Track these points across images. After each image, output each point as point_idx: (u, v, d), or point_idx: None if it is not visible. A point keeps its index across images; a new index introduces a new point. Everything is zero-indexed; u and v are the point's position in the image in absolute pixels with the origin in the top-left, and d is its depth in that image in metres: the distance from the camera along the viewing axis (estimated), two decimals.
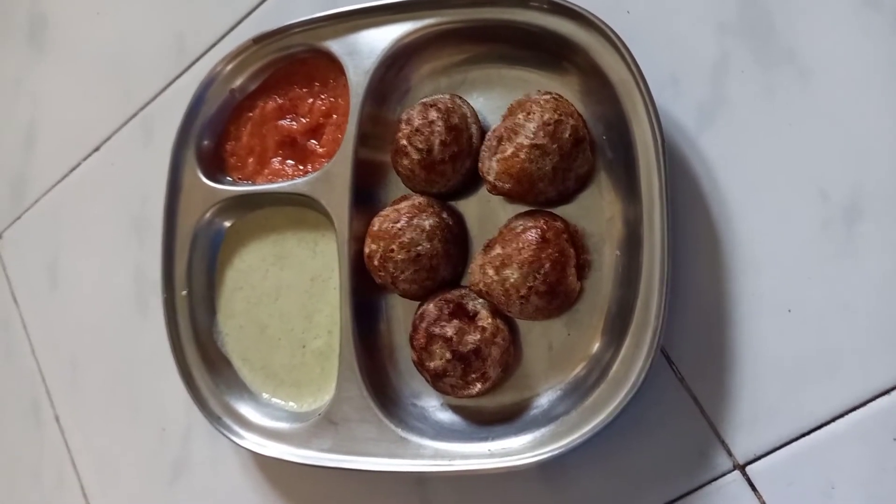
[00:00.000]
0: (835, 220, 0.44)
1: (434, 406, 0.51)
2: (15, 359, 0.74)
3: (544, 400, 0.48)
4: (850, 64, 0.45)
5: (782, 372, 0.44)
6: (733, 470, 0.45)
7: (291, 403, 0.56)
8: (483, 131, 0.51)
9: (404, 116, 0.51)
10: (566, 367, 0.48)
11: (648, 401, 0.46)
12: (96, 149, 0.71)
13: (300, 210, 0.57)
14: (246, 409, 0.56)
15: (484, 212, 0.51)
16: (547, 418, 0.47)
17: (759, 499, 0.44)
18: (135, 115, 0.69)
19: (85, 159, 0.72)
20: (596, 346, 0.47)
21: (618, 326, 0.46)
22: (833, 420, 0.43)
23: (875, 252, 0.43)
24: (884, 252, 0.43)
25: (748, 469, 0.45)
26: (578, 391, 0.47)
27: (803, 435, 0.44)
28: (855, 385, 0.43)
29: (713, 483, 0.45)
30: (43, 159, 0.75)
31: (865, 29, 0.44)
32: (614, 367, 0.45)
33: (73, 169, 0.72)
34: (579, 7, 0.46)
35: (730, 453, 0.45)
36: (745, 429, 0.45)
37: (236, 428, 0.56)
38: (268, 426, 0.55)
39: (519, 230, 0.47)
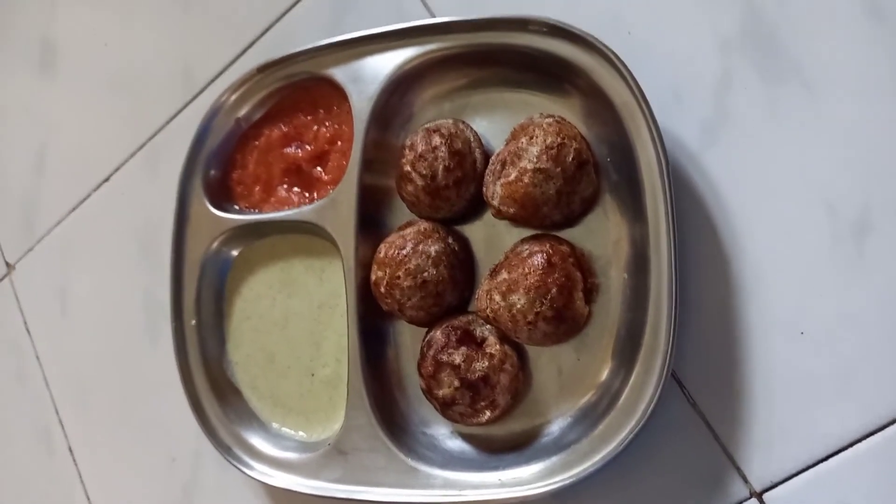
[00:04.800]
0: (844, 235, 0.43)
1: (444, 434, 0.51)
2: (28, 387, 0.74)
3: (555, 427, 0.48)
4: (855, 77, 0.44)
5: (797, 394, 0.43)
6: (750, 498, 0.44)
7: (301, 433, 0.56)
8: (487, 155, 0.50)
9: (408, 142, 0.51)
10: (576, 393, 0.47)
11: (660, 426, 0.45)
12: (106, 179, 0.72)
13: (307, 237, 0.57)
14: (255, 439, 0.56)
15: (490, 236, 0.51)
16: (558, 446, 0.46)
17: None
18: (143, 145, 0.69)
19: (95, 189, 0.72)
20: (606, 371, 0.47)
21: (628, 350, 0.45)
22: (851, 444, 0.42)
23: (887, 267, 0.42)
24: (895, 266, 0.42)
25: (765, 496, 0.44)
26: (589, 418, 0.46)
27: (821, 460, 0.42)
28: (871, 407, 0.42)
29: None
30: (54, 189, 0.75)
31: (870, 41, 0.44)
32: (625, 394, 0.44)
33: (84, 199, 0.73)
34: (579, 30, 0.46)
35: (745, 480, 0.44)
36: (761, 453, 0.44)
37: (246, 458, 0.55)
38: (277, 456, 0.55)
39: (525, 255, 0.46)
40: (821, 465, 0.42)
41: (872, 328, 0.42)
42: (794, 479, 0.43)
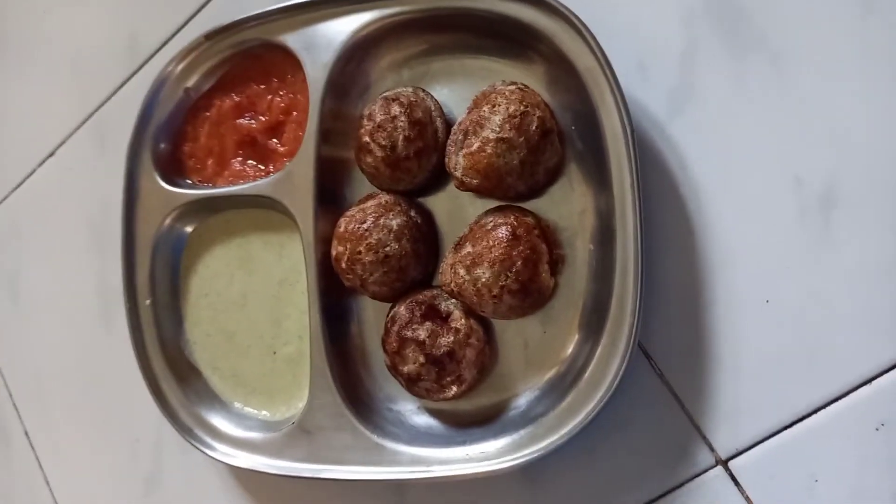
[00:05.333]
0: (811, 208, 0.43)
1: (410, 410, 0.50)
2: None
3: (522, 401, 0.47)
4: (823, 49, 0.44)
5: (762, 364, 0.43)
6: (716, 465, 0.44)
7: (264, 412, 0.55)
8: (448, 125, 0.49)
9: (366, 112, 0.49)
10: (543, 366, 0.47)
11: (628, 398, 0.45)
12: (51, 153, 0.69)
13: (264, 212, 0.55)
14: (217, 420, 0.55)
15: (453, 208, 0.50)
16: (525, 420, 0.46)
17: (742, 493, 0.44)
18: (89, 117, 0.67)
19: (40, 165, 0.69)
20: (572, 344, 0.46)
21: (594, 322, 0.45)
22: (814, 412, 0.42)
23: (853, 240, 0.42)
24: (861, 240, 0.42)
25: (730, 464, 0.44)
26: (556, 391, 0.46)
27: (785, 428, 0.43)
28: (835, 376, 0.42)
29: (696, 479, 0.45)
30: None
31: (837, 13, 0.43)
32: (591, 366, 0.44)
33: (29, 175, 0.70)
34: None
35: (711, 448, 0.44)
36: (727, 423, 0.44)
37: (208, 440, 0.54)
38: (240, 436, 0.54)
39: (489, 227, 0.45)
40: (785, 433, 0.43)
41: (837, 299, 0.42)
42: (759, 446, 0.43)
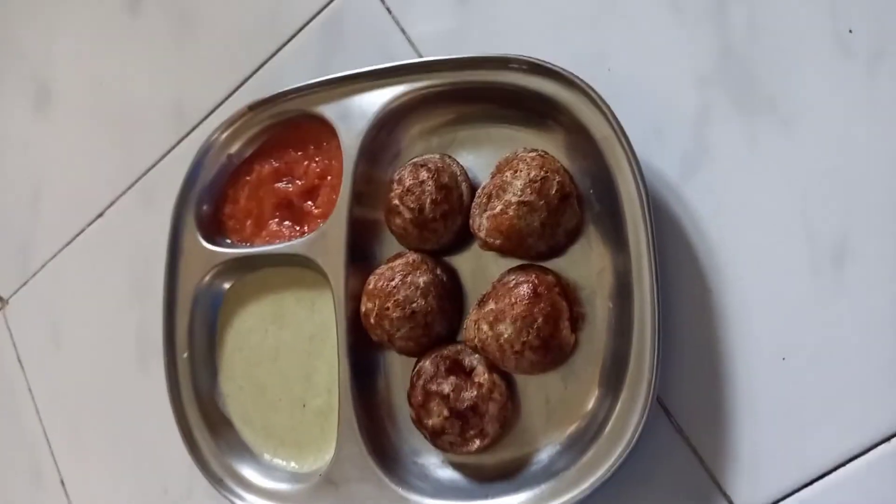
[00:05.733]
0: (823, 263, 0.44)
1: (434, 463, 0.51)
2: (20, 422, 0.74)
3: (544, 455, 0.48)
4: (830, 109, 0.45)
5: (781, 419, 0.44)
6: None
7: (293, 464, 0.56)
8: (473, 189, 0.52)
9: (396, 177, 0.52)
10: (564, 421, 0.48)
11: (647, 453, 0.46)
12: (100, 214, 0.72)
13: (298, 270, 0.57)
14: (247, 471, 0.56)
15: (477, 267, 0.52)
16: (547, 474, 0.46)
17: None
18: (136, 181, 0.70)
19: (89, 225, 0.73)
20: (593, 399, 0.47)
21: (613, 378, 0.46)
22: (836, 468, 0.42)
23: (866, 293, 0.43)
24: (875, 293, 0.43)
25: None
26: (577, 445, 0.46)
27: (806, 485, 0.43)
28: (856, 431, 0.42)
29: None
30: (48, 224, 0.76)
31: (841, 76, 0.45)
32: (611, 421, 0.44)
33: (78, 234, 0.74)
34: (559, 68, 0.47)
35: None
36: (746, 479, 0.44)
37: (238, 490, 0.55)
38: (269, 488, 0.55)
39: (511, 285, 0.47)
40: (805, 490, 0.43)
41: (852, 353, 0.43)
42: (780, 503, 0.43)
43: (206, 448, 0.57)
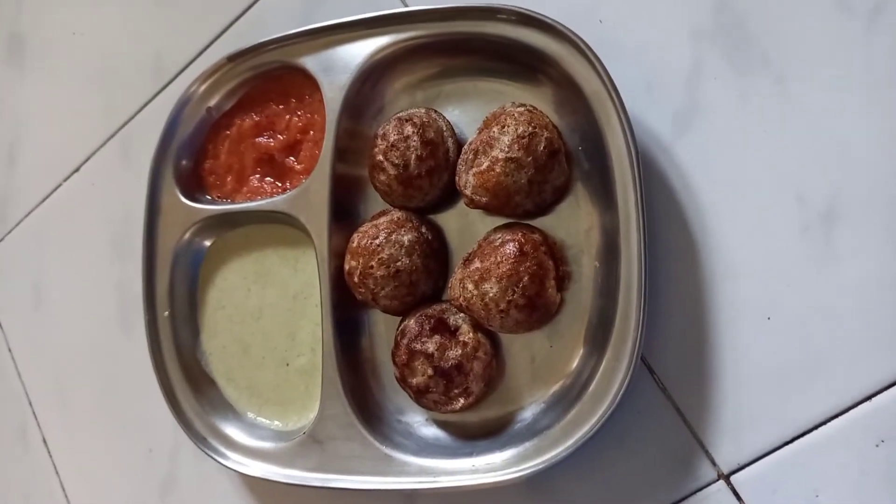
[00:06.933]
0: (813, 224, 0.44)
1: (418, 422, 0.51)
2: (1, 382, 0.74)
3: (528, 413, 0.48)
4: (825, 68, 0.45)
5: (765, 379, 0.44)
6: (717, 480, 0.45)
7: (276, 422, 0.56)
8: (459, 144, 0.51)
9: (380, 132, 0.51)
10: (549, 380, 0.48)
11: (631, 412, 0.46)
12: (76, 169, 0.71)
13: (280, 227, 0.57)
14: (231, 429, 0.56)
15: (463, 225, 0.51)
16: (531, 432, 0.47)
17: None
18: (114, 134, 0.69)
19: (66, 180, 0.71)
20: (578, 358, 0.47)
21: (599, 337, 0.46)
22: (816, 427, 0.43)
23: (854, 256, 0.43)
24: (862, 256, 0.43)
25: (732, 478, 0.44)
26: (561, 404, 0.46)
27: (787, 443, 0.43)
28: (837, 391, 0.43)
29: (698, 493, 0.45)
30: (25, 180, 0.74)
31: (839, 33, 0.44)
32: (596, 380, 0.45)
33: (55, 189, 0.72)
34: (549, 18, 0.46)
35: (713, 463, 0.45)
36: (729, 437, 0.44)
37: (221, 448, 0.55)
38: (253, 446, 0.55)
39: (497, 243, 0.47)
40: (787, 448, 0.43)
41: (838, 315, 0.43)
42: (761, 461, 0.44)
43: (189, 407, 0.57)
